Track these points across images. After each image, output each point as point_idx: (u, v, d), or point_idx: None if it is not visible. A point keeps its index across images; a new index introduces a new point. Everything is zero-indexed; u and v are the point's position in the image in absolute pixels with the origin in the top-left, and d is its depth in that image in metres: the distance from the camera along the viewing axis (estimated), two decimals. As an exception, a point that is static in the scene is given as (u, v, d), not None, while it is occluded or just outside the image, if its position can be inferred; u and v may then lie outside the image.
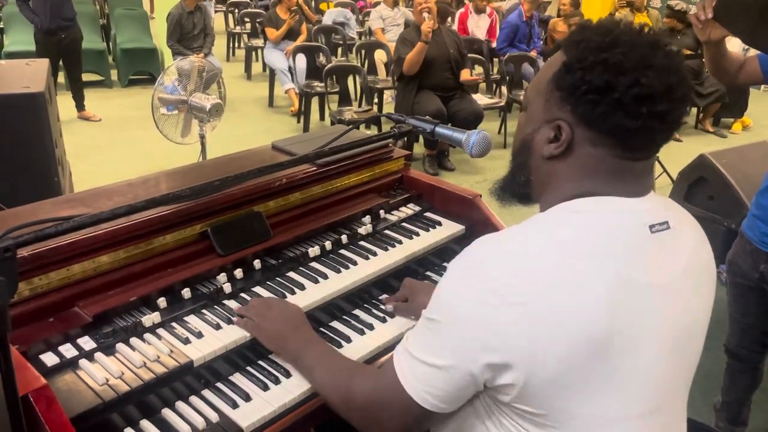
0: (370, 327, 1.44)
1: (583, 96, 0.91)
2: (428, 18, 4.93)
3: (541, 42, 7.65)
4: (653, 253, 0.94)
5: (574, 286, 0.87)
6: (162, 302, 1.33)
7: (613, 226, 0.93)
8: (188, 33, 6.49)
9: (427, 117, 1.59)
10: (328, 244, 1.60)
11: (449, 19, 7.77)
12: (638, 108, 0.89)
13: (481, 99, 5.83)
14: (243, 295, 1.41)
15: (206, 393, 1.23)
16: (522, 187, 1.08)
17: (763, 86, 9.02)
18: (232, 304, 1.38)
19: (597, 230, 0.92)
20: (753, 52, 2.04)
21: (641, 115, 0.89)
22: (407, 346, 1.00)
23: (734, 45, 5.62)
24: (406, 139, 5.14)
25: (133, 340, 1.23)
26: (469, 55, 6.04)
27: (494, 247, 0.95)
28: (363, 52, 7.66)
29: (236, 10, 10.23)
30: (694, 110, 7.09)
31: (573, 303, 0.87)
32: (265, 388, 1.24)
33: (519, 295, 0.87)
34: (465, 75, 5.32)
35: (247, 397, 1.21)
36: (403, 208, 1.84)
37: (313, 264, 1.55)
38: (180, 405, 1.19)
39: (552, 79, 0.97)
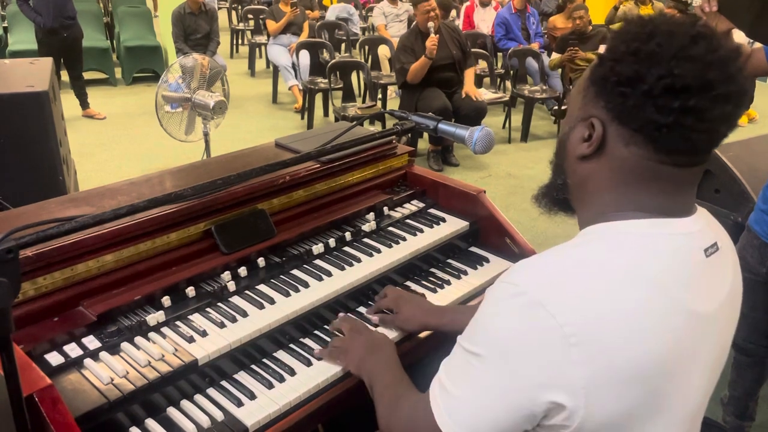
0: (375, 325, 1.44)
1: (613, 88, 0.85)
2: (433, 29, 4.84)
3: (544, 36, 7.61)
4: (707, 280, 0.88)
5: (634, 321, 0.81)
6: (166, 301, 1.33)
7: (671, 252, 0.86)
8: (191, 34, 6.48)
9: (430, 114, 1.58)
10: (332, 242, 1.60)
11: (453, 12, 7.75)
12: (669, 102, 0.81)
13: (485, 94, 5.81)
14: (247, 292, 1.41)
15: (211, 392, 1.23)
16: (560, 192, 1.01)
17: (769, 78, 8.97)
18: (237, 301, 1.38)
19: (655, 257, 0.85)
20: (759, 44, 2.03)
21: (673, 110, 0.81)
22: (444, 382, 0.91)
23: (740, 37, 5.58)
24: (410, 135, 5.13)
25: (138, 339, 1.24)
26: (474, 50, 6.02)
27: (544, 275, 0.86)
28: (366, 47, 7.66)
29: (240, 7, 10.22)
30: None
31: (633, 340, 0.81)
32: (270, 386, 1.24)
33: (576, 334, 0.80)
34: (469, 83, 5.23)
35: (252, 396, 1.21)
36: (407, 205, 1.83)
37: (317, 261, 1.54)
38: (185, 404, 1.19)
39: (589, 74, 0.92)
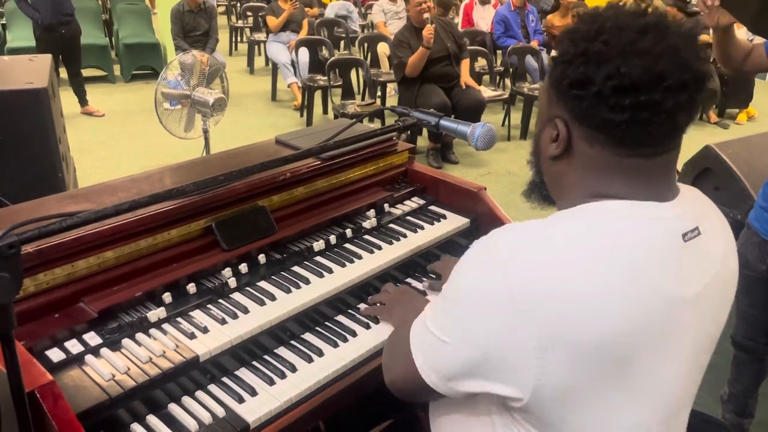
0: (376, 320, 1.44)
1: (567, 91, 0.86)
2: (429, 21, 4.88)
3: (543, 33, 7.60)
4: (685, 264, 0.88)
5: (598, 297, 0.81)
6: (167, 297, 1.33)
7: (648, 235, 0.86)
8: (190, 31, 6.47)
9: (432, 110, 1.58)
10: (332, 238, 1.59)
11: (453, 8, 7.74)
12: (621, 100, 0.81)
13: (484, 91, 5.80)
14: (248, 289, 1.41)
15: (212, 388, 1.23)
16: (541, 188, 1.05)
17: (768, 76, 8.97)
18: (237, 298, 1.38)
19: (631, 239, 0.85)
20: (759, 40, 2.03)
21: (626, 107, 0.81)
22: (424, 315, 1.00)
23: (741, 33, 5.58)
24: (409, 132, 5.13)
25: (139, 336, 1.23)
26: (473, 47, 6.02)
27: (518, 241, 0.87)
28: (366, 45, 7.64)
29: (238, 4, 10.20)
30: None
31: (595, 315, 0.81)
32: (271, 382, 1.24)
33: (526, 301, 0.81)
34: (465, 74, 5.28)
35: (253, 392, 1.21)
36: (407, 202, 1.83)
37: (318, 258, 1.54)
38: (186, 400, 1.19)
39: (548, 76, 0.94)
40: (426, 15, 4.93)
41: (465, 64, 5.40)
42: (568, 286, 0.81)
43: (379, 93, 6.42)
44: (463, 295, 0.90)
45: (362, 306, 1.48)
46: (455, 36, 5.31)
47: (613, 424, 0.87)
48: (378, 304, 1.47)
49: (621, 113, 0.82)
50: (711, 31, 1.99)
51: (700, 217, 0.93)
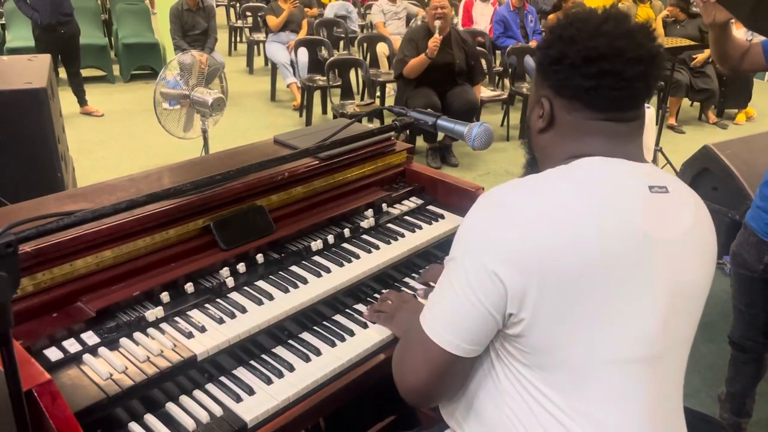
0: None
1: (548, 68, 1.06)
2: (437, 29, 4.77)
3: (542, 34, 7.61)
4: (652, 210, 1.00)
5: (575, 214, 0.95)
6: (165, 297, 1.33)
7: (619, 180, 1.01)
8: (189, 31, 6.48)
9: (429, 110, 1.58)
10: (330, 238, 1.60)
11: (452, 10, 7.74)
12: (590, 68, 1.00)
13: (483, 91, 5.81)
14: (246, 288, 1.41)
15: (210, 387, 1.23)
16: (534, 165, 1.17)
17: (767, 76, 8.98)
18: (235, 297, 1.38)
19: (600, 180, 1.00)
20: (757, 39, 2.03)
21: (593, 74, 1.00)
22: (430, 299, 1.07)
23: (740, 33, 5.60)
24: (408, 132, 5.13)
25: (137, 335, 1.24)
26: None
27: (509, 187, 1.03)
28: (365, 45, 7.64)
29: (238, 4, 10.20)
30: (697, 103, 7.07)
31: (575, 241, 0.94)
32: (269, 381, 1.24)
33: (528, 222, 0.95)
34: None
35: (250, 391, 1.21)
36: (405, 202, 1.84)
37: (316, 258, 1.55)
38: (184, 399, 1.19)
39: (535, 64, 1.13)
40: (437, 22, 4.80)
41: (477, 89, 5.26)
42: (554, 220, 0.95)
43: (378, 93, 6.42)
44: (470, 238, 1.01)
45: (364, 311, 1.47)
46: (467, 54, 5.17)
47: (594, 354, 0.97)
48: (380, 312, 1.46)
49: (590, 80, 1.01)
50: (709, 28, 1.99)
51: (670, 181, 1.05)
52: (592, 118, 1.04)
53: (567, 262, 0.93)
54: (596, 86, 1.01)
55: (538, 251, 0.94)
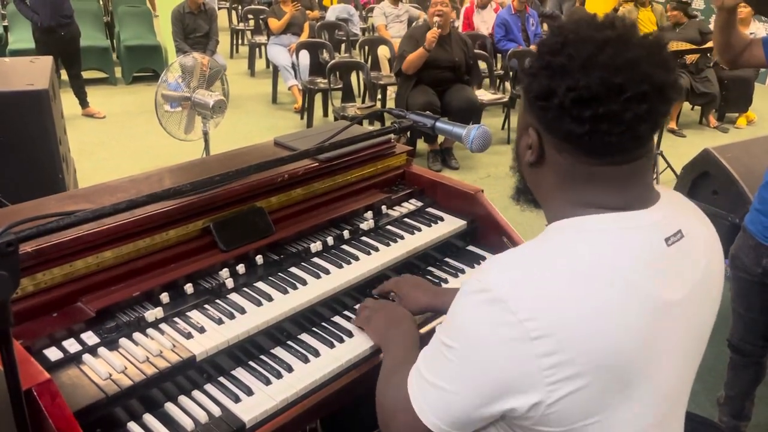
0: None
1: (534, 102, 0.89)
2: (437, 24, 4.84)
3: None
4: (671, 268, 0.89)
5: (596, 315, 0.83)
6: (164, 297, 1.33)
7: (633, 246, 0.87)
8: (191, 33, 6.49)
9: (428, 112, 1.59)
10: (330, 240, 1.60)
11: (453, 14, 7.75)
12: (581, 112, 0.83)
13: (484, 94, 5.82)
14: (245, 289, 1.42)
15: (209, 387, 1.23)
16: (527, 193, 1.06)
17: (768, 81, 8.98)
18: (235, 298, 1.39)
19: (619, 253, 0.87)
20: (758, 36, 2.05)
21: (586, 119, 0.83)
22: (421, 369, 0.96)
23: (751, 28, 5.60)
24: (409, 134, 5.14)
25: (136, 335, 1.24)
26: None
27: (507, 272, 0.88)
28: (366, 48, 7.66)
29: (240, 7, 10.23)
30: (698, 106, 7.08)
31: (597, 333, 0.82)
32: (268, 382, 1.24)
33: (538, 328, 0.82)
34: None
35: (249, 392, 1.21)
36: (405, 204, 1.84)
37: (315, 259, 1.55)
38: (183, 399, 1.19)
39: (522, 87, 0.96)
40: (436, 19, 4.87)
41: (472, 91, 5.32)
42: (570, 310, 0.82)
43: (379, 96, 6.43)
44: (469, 336, 0.87)
45: (353, 318, 1.45)
46: (467, 55, 5.24)
47: (610, 428, 0.87)
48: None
49: (582, 125, 0.84)
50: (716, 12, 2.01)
51: (681, 219, 0.94)
52: (588, 163, 0.89)
53: (591, 356, 0.82)
54: (589, 132, 0.84)
55: (560, 348, 0.82)
